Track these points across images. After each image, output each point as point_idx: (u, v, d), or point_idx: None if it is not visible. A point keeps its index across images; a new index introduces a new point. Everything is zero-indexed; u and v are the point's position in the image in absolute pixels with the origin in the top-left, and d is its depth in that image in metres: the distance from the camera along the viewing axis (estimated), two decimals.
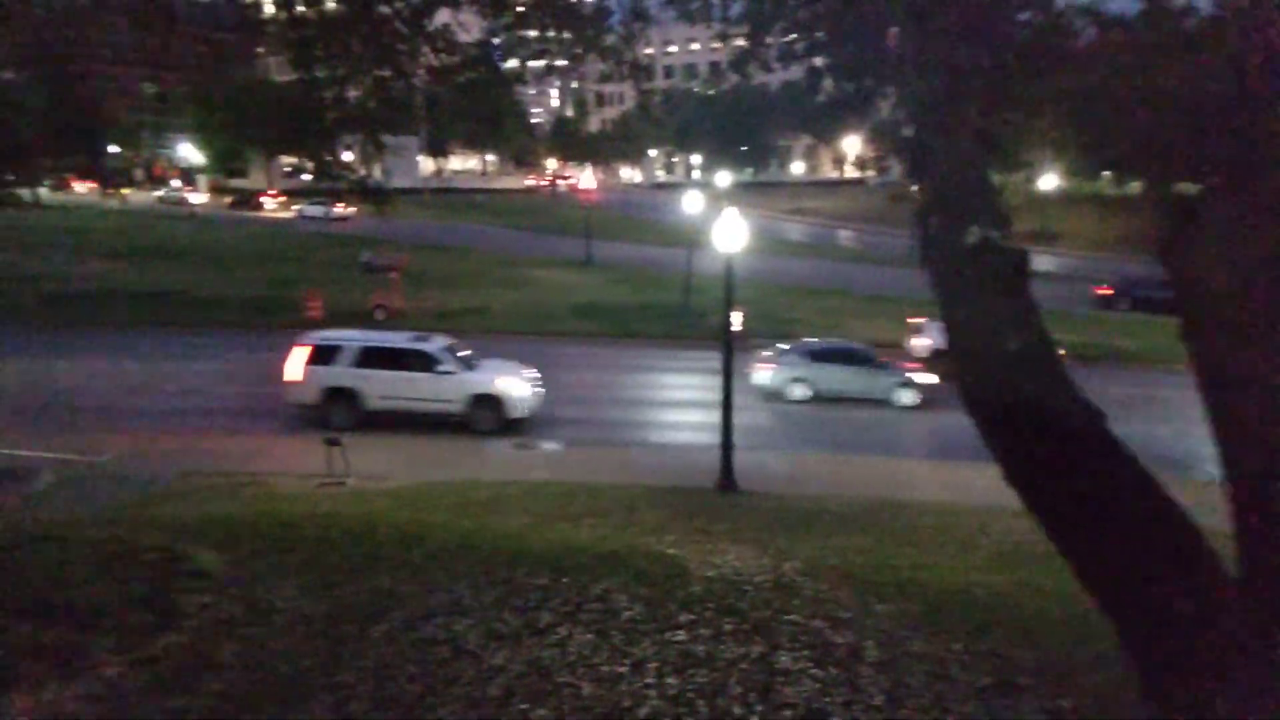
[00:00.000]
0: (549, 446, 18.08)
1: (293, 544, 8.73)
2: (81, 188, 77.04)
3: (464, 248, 51.67)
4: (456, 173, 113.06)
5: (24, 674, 5.67)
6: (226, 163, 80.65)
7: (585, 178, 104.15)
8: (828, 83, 5.77)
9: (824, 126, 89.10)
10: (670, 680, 6.05)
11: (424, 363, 18.70)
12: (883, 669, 6.33)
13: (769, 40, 6.26)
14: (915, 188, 4.38)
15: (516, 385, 19.01)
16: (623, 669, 6.18)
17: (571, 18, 7.72)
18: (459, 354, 19.48)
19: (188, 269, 40.40)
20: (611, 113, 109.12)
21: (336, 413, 18.23)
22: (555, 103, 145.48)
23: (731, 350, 15.20)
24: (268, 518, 10.29)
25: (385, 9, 9.79)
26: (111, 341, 26.60)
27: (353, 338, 19.36)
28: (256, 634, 6.60)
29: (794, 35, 5.97)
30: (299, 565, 8.08)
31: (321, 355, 18.63)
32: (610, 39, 7.73)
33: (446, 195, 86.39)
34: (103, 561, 7.64)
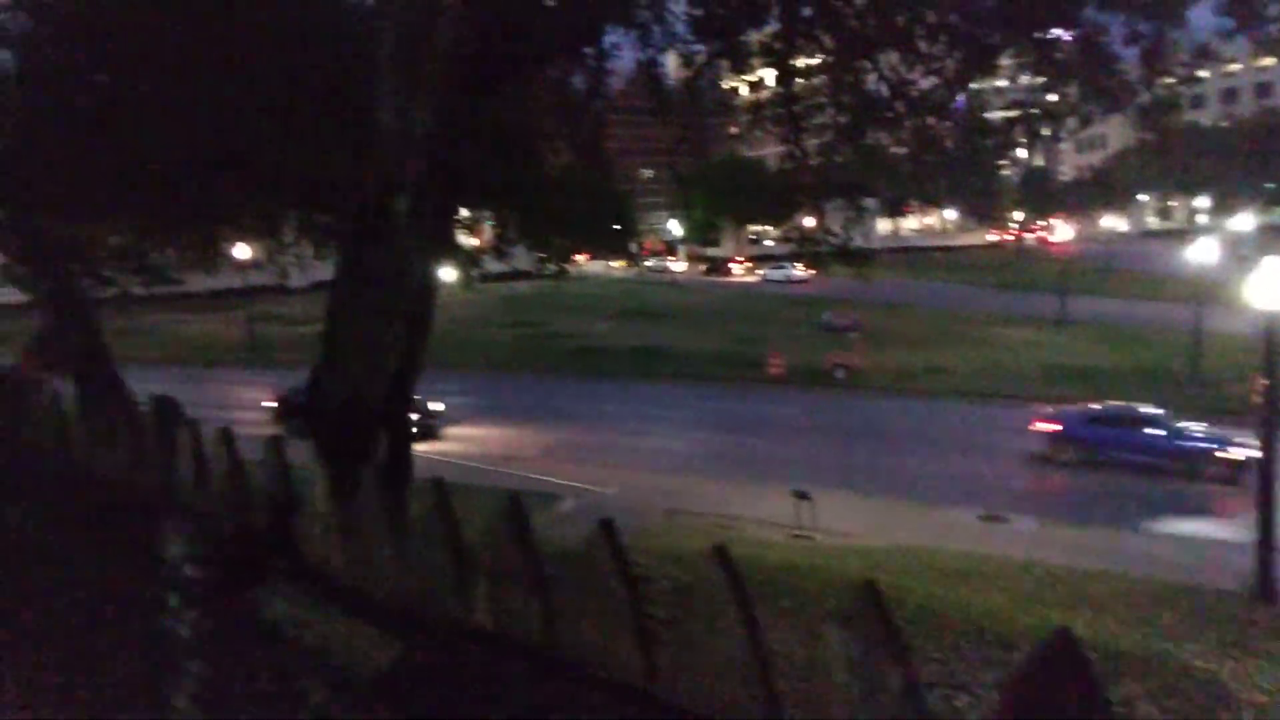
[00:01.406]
0: (1021, 521, 16.66)
1: (786, 591, 9.12)
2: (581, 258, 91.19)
3: (924, 307, 50.60)
4: (915, 231, 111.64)
5: None
6: (704, 234, 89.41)
7: (1057, 229, 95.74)
8: None
9: None
10: None
11: None
12: None
13: None
14: None
15: None
16: None
17: (1108, 64, 7.21)
18: None
19: (668, 328, 45.40)
20: (1093, 157, 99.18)
21: None
22: (1023, 152, 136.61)
23: (1273, 427, 12.60)
24: (756, 563, 10.91)
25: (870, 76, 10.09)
26: (610, 389, 30.86)
27: None
28: None
29: None
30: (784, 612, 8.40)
31: None
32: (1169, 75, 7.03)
33: (905, 254, 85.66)
34: None
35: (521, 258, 17.15)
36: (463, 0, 3.34)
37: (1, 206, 6.45)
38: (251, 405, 26.77)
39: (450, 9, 3.30)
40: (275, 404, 23.22)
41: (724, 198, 72.29)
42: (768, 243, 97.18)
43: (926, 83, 9.54)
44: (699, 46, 10.03)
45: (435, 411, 22.75)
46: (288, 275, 15.59)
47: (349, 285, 3.71)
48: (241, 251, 28.50)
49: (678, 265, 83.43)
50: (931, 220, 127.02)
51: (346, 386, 3.79)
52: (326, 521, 1.09)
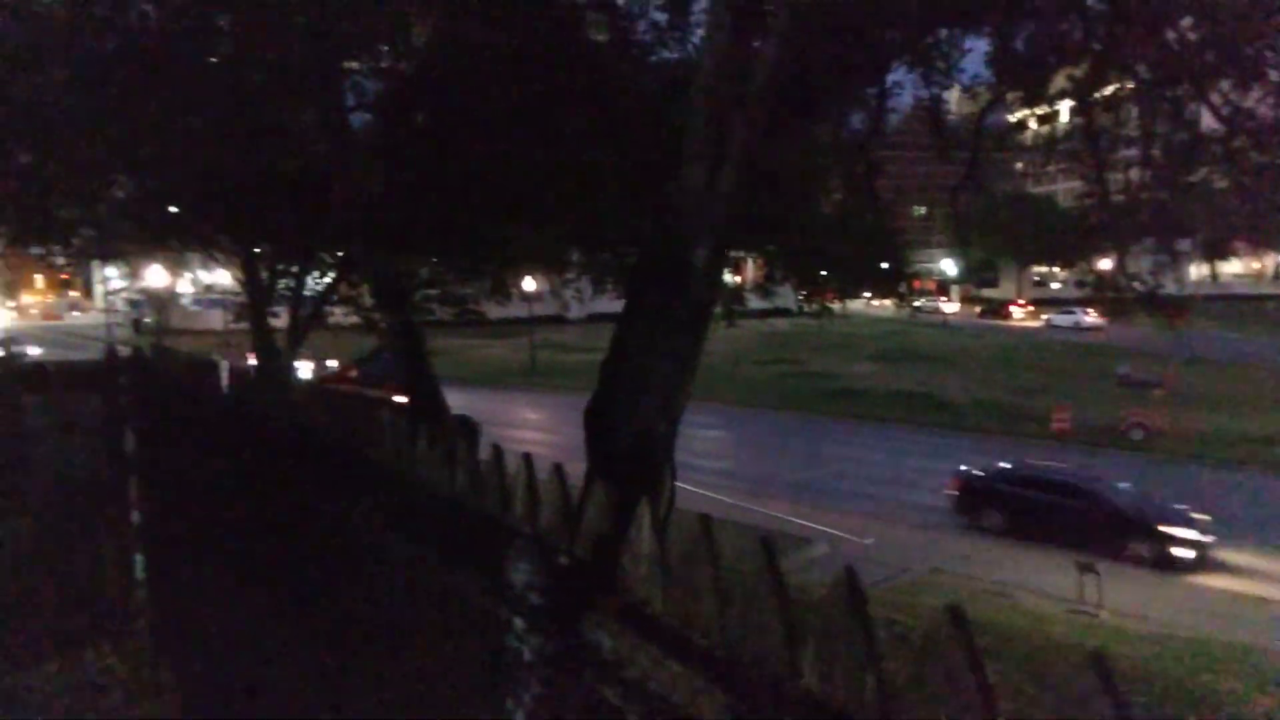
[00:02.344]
0: None
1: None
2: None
3: (1247, 364, 44.17)
4: (1237, 276, 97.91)
5: None
6: (980, 274, 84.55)
7: None
8: None
9: None
10: None
11: None
12: None
13: None
14: None
15: None
16: None
17: None
18: None
19: (937, 373, 43.17)
20: None
21: None
22: None
23: None
24: (1030, 639, 10.09)
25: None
26: (871, 434, 29.87)
27: None
28: None
29: None
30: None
31: None
32: None
33: (1224, 302, 75.48)
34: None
35: (781, 294, 17.19)
36: (775, 58, 3.48)
37: (366, 250, 7.71)
38: (523, 423, 29.03)
39: (761, 68, 3.45)
40: (956, 491, 19.51)
41: (1006, 237, 68.02)
42: (1054, 285, 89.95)
43: (1268, 111, 8.43)
44: (991, 84, 9.60)
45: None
46: (568, 307, 16.79)
47: (644, 328, 3.96)
48: (529, 284, 31.13)
49: (949, 306, 79.49)
50: (1262, 263, 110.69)
51: (638, 424, 4.04)
52: (648, 561, 1.17)
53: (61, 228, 12.06)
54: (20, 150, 9.29)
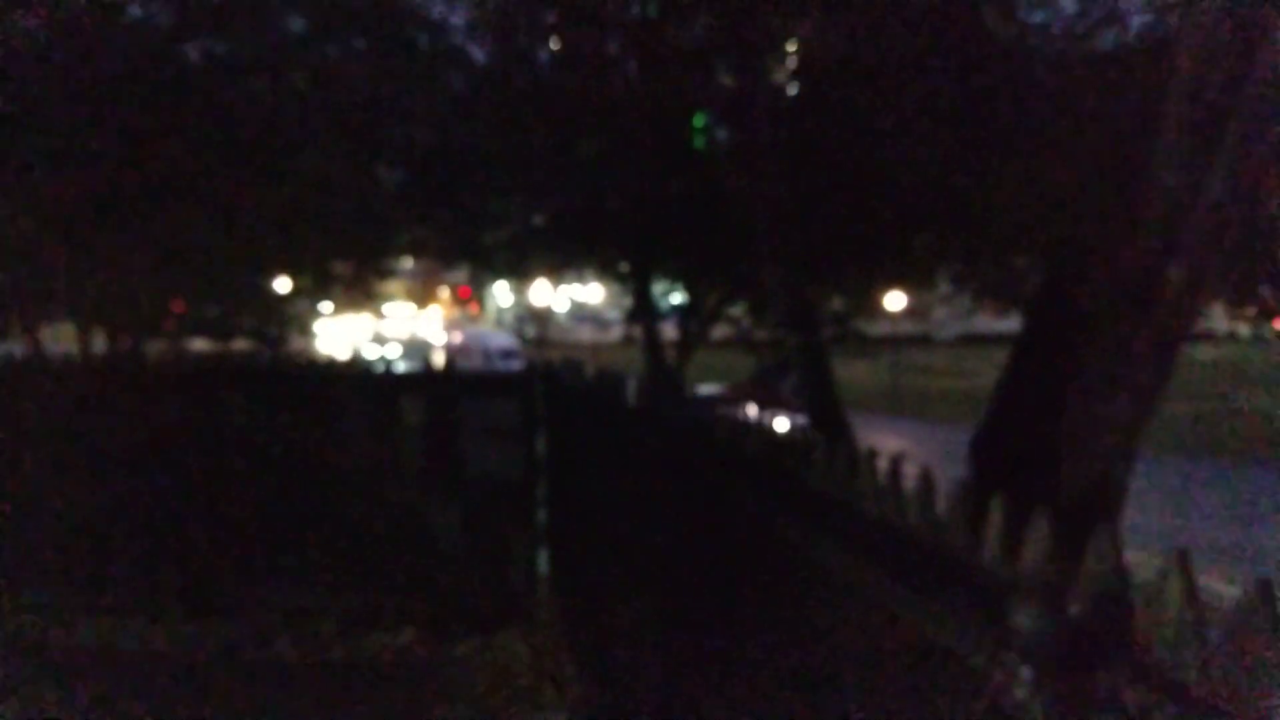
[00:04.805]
0: None
1: None
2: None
3: None
4: None
5: None
6: None
7: None
8: None
9: None
10: None
11: None
12: None
13: None
14: None
15: None
16: None
17: None
18: None
19: None
20: None
21: None
22: None
23: None
24: None
25: None
26: None
27: None
28: None
29: None
30: None
31: None
32: None
33: None
34: None
35: (1218, 316, 14.89)
36: None
37: (781, 278, 8.16)
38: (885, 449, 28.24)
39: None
40: None
41: None
42: None
43: None
44: None
45: None
46: (942, 326, 16.15)
47: (1100, 360, 3.65)
48: (895, 301, 30.36)
49: None
50: None
51: (1093, 466, 3.75)
52: (1175, 624, 1.08)
53: (484, 251, 14.40)
54: (457, 186, 11.14)
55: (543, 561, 6.98)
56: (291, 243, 12.70)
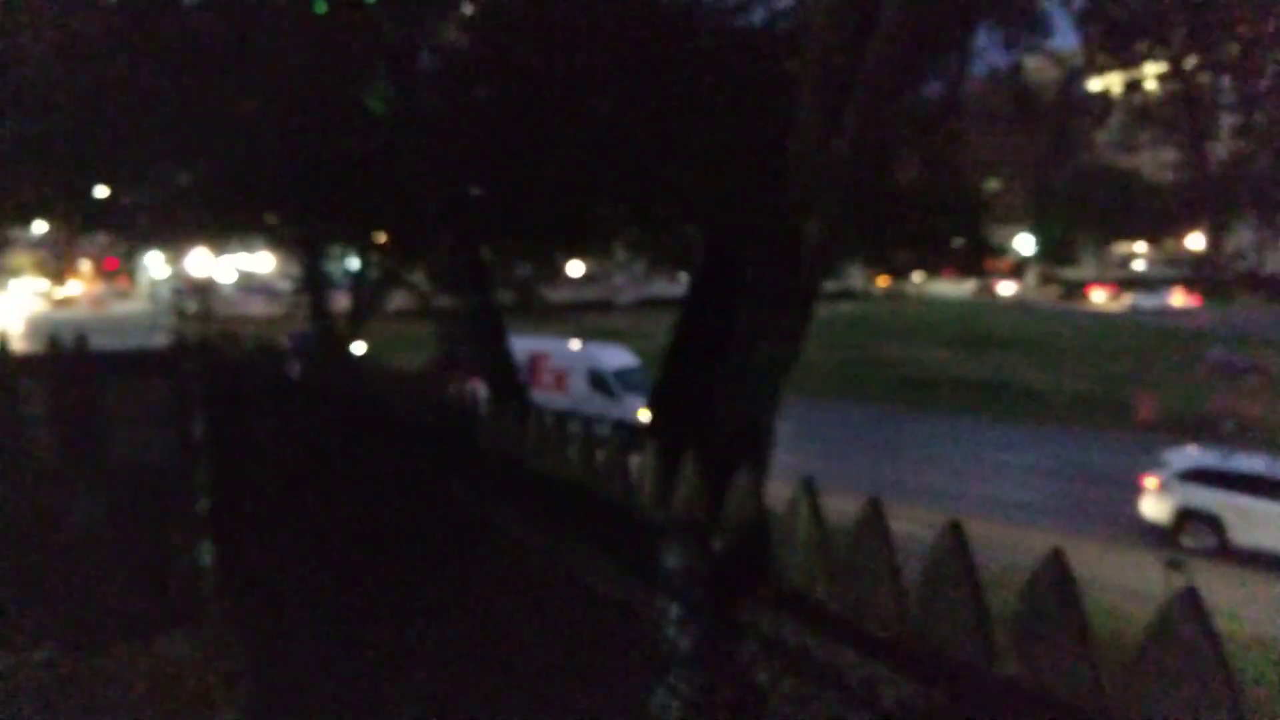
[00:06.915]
0: None
1: None
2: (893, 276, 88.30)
3: None
4: None
5: None
6: (1057, 252, 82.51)
7: None
8: None
9: None
10: None
11: None
12: None
13: None
14: None
15: None
16: None
17: None
18: None
19: (1016, 360, 42.26)
20: None
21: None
22: None
23: None
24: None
25: None
26: (941, 425, 29.44)
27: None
28: None
29: None
30: None
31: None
32: None
33: None
34: None
35: (846, 275, 16.98)
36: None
37: (454, 241, 7.84)
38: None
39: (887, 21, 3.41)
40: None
41: (1087, 212, 66.29)
42: (1136, 265, 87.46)
43: None
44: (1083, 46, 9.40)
45: None
46: (621, 291, 16.89)
47: (751, 309, 3.97)
48: (575, 268, 31.09)
49: (1007, 287, 78.38)
50: None
51: (744, 410, 4.06)
52: (805, 548, 1.17)
53: (120, 213, 12.53)
54: (66, 135, 9.60)
55: (206, 554, 6.41)
56: None
